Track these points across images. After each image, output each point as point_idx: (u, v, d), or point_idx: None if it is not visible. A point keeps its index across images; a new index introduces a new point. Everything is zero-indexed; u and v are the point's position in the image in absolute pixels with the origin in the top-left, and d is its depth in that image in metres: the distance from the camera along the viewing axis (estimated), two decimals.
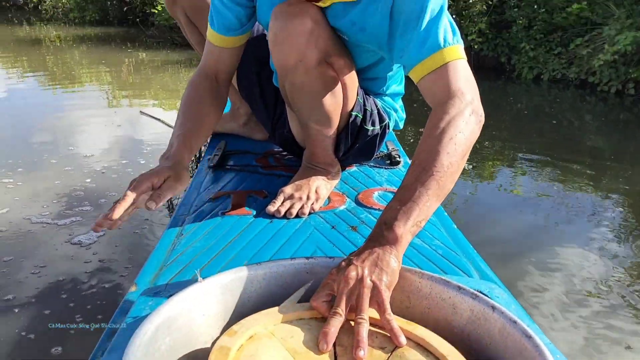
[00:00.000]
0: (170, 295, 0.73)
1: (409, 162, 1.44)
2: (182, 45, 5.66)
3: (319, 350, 0.61)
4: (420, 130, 2.81)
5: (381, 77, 1.22)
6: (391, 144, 1.54)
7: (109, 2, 7.81)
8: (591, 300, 1.50)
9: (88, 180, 2.29)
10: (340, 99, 1.11)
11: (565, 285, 1.58)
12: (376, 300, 0.67)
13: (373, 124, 1.22)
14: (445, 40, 0.89)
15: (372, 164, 1.41)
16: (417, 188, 0.76)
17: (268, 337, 0.63)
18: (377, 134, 1.25)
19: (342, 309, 0.65)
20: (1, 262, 1.63)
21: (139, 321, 0.69)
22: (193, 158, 1.77)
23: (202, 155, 1.61)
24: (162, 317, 0.62)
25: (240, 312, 0.72)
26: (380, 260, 0.70)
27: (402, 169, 1.38)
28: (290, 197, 1.13)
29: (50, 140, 2.92)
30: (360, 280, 0.67)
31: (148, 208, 0.86)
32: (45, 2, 8.91)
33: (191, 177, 1.65)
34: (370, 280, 0.68)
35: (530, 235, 1.93)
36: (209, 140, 1.65)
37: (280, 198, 1.13)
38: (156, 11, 6.45)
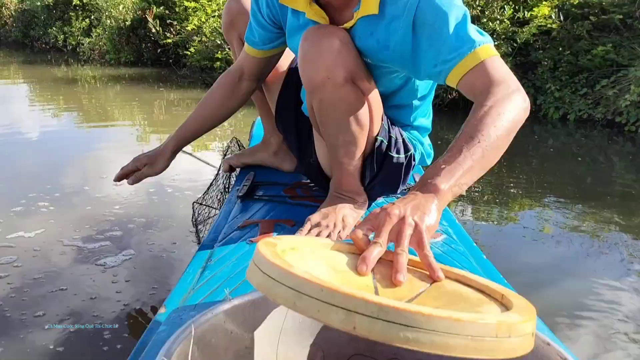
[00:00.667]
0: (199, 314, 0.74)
1: None
2: (212, 84, 5.83)
3: (357, 273, 0.61)
4: None
5: (406, 104, 1.24)
6: (418, 176, 1.54)
7: (143, 45, 8.13)
8: (626, 340, 1.44)
9: (117, 207, 2.34)
10: (367, 120, 1.13)
11: (597, 322, 1.53)
12: (416, 238, 0.67)
13: (398, 152, 1.23)
14: (477, 40, 0.92)
15: (399, 195, 1.41)
16: (462, 152, 0.79)
17: (310, 253, 0.62)
18: (403, 163, 1.26)
19: (382, 240, 0.66)
20: (33, 279, 1.67)
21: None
22: (222, 188, 1.79)
23: (232, 185, 1.64)
24: (189, 331, 0.63)
25: (270, 332, 0.72)
26: (422, 205, 0.71)
27: None
28: (318, 224, 1.14)
29: (83, 171, 3.03)
30: (402, 219, 0.68)
31: (129, 183, 1.36)
32: (83, 44, 9.33)
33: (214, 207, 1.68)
34: (412, 219, 0.68)
35: (560, 270, 1.89)
36: (238, 172, 1.68)
37: (308, 226, 1.14)
38: (189, 53, 6.69)
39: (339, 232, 1.13)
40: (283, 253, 0.59)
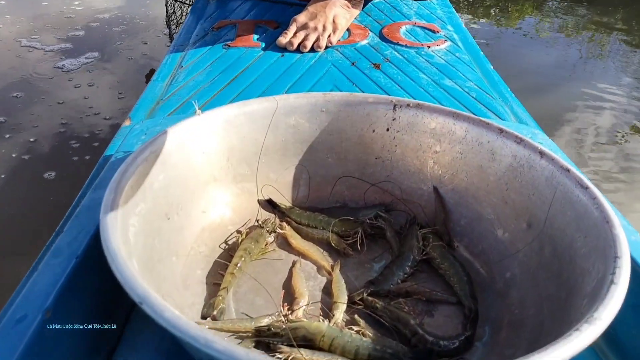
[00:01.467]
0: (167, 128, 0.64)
1: None
2: None
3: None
4: None
5: None
6: None
7: None
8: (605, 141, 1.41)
9: (78, 1, 2.09)
10: None
11: (581, 122, 1.49)
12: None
13: None
14: None
15: None
16: None
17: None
18: None
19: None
20: None
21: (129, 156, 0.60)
22: None
23: None
24: (154, 150, 0.53)
25: (246, 152, 0.63)
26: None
27: (433, 1, 1.20)
28: (304, 26, 0.98)
29: None
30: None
31: None
32: None
33: (189, 4, 1.47)
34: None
35: (557, 74, 1.80)
36: None
37: (293, 28, 0.99)
38: None
39: (329, 35, 0.98)
40: None
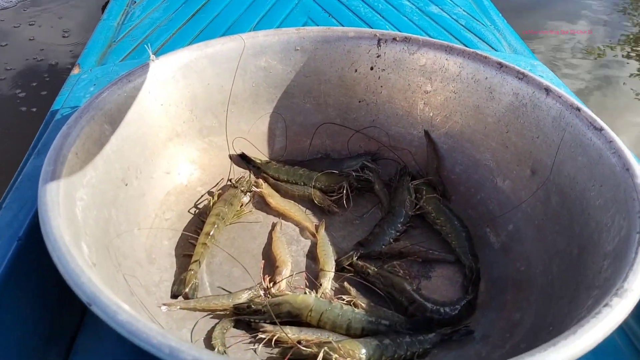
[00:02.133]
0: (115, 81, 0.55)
1: None
2: None
3: None
4: None
5: None
6: None
7: None
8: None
9: None
10: None
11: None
12: None
13: None
14: None
15: None
16: None
17: None
18: None
19: None
20: None
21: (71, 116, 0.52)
22: None
23: None
24: (102, 107, 0.45)
25: (212, 101, 0.55)
26: None
27: None
28: None
29: None
30: None
31: None
32: None
33: None
34: None
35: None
36: None
37: None
38: None
39: None
40: None
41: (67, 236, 0.34)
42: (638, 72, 1.33)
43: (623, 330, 0.43)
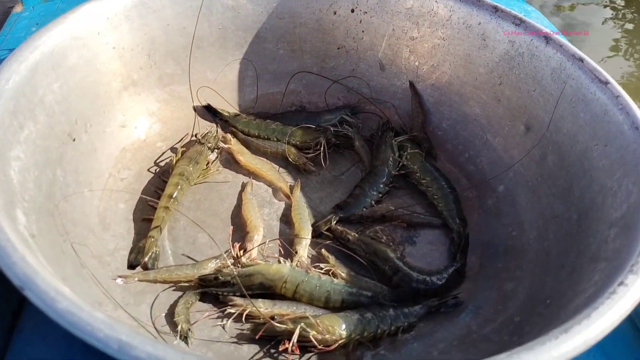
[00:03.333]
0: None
1: None
2: None
3: None
4: None
5: None
6: None
7: None
8: None
9: None
10: None
11: None
12: None
13: None
14: None
15: None
16: None
17: None
18: None
19: None
20: None
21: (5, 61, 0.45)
22: None
23: None
24: (42, 50, 0.39)
25: (173, 45, 0.49)
26: None
27: None
28: None
29: None
30: None
31: None
32: None
33: None
34: None
35: None
36: None
37: None
38: None
39: None
40: None
41: None
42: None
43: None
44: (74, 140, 0.41)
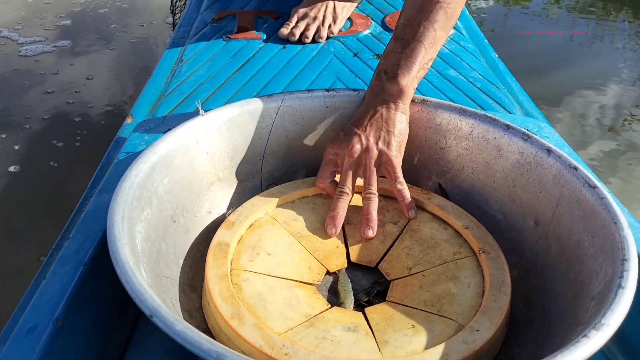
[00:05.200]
0: (170, 129, 0.64)
1: None
2: None
3: (327, 234, 0.56)
4: None
5: None
6: None
7: None
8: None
9: None
10: None
11: (583, 107, 1.49)
12: (386, 168, 0.58)
13: None
14: None
15: None
16: (420, 22, 0.60)
17: (270, 223, 0.56)
18: None
19: (348, 186, 0.58)
20: None
21: (133, 158, 0.60)
22: None
23: None
24: (158, 154, 0.53)
25: (251, 151, 0.62)
26: (385, 121, 0.59)
27: None
28: (305, 16, 0.97)
29: None
30: (366, 151, 0.58)
31: None
32: None
33: None
34: (377, 149, 0.58)
35: (561, 55, 1.80)
36: None
37: (294, 19, 0.98)
38: None
39: (329, 25, 0.97)
40: (240, 246, 0.53)
41: (131, 262, 0.40)
42: None
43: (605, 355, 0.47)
44: (174, 221, 0.54)
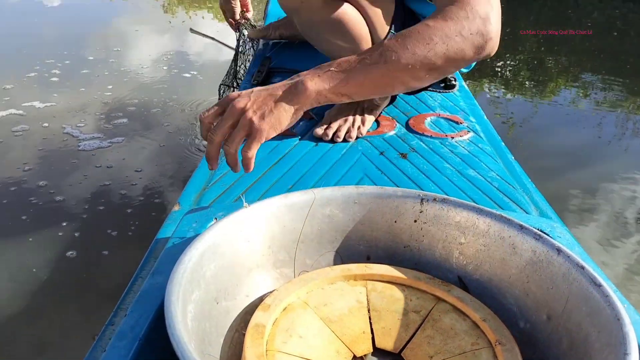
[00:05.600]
0: (215, 217, 0.72)
1: (465, 86, 1.34)
2: None
3: (350, 314, 0.62)
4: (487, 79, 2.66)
5: None
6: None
7: None
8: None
9: (133, 87, 2.28)
10: (364, 33, 1.02)
11: (610, 211, 1.51)
12: (247, 137, 0.68)
13: None
14: None
15: (435, 91, 1.31)
16: (363, 63, 0.69)
17: (302, 307, 0.62)
18: None
19: (218, 133, 0.67)
20: (41, 157, 1.67)
21: (183, 243, 0.68)
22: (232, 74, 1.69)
23: (247, 70, 1.55)
24: (207, 243, 0.60)
25: (286, 240, 0.69)
26: (274, 100, 0.68)
27: (456, 93, 1.29)
28: (337, 118, 1.08)
29: (102, 42, 2.95)
30: (243, 113, 0.66)
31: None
32: None
33: (235, 88, 1.60)
34: (252, 117, 0.66)
35: (589, 152, 1.85)
36: (252, 57, 1.58)
37: (327, 120, 1.08)
38: None
39: (359, 127, 1.07)
40: (275, 328, 0.59)
41: (185, 338, 0.46)
42: None
43: None
44: (217, 303, 0.60)
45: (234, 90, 1.79)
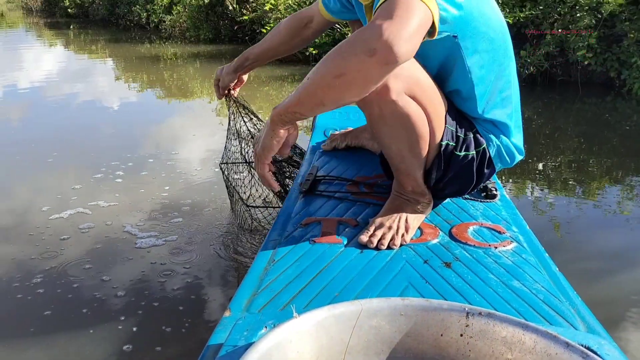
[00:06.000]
0: (265, 326, 0.75)
1: (506, 196, 1.38)
2: (287, 62, 5.92)
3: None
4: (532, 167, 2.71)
5: (468, 95, 1.16)
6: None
7: (221, 22, 8.34)
8: None
9: (189, 187, 2.42)
10: (425, 131, 1.09)
11: None
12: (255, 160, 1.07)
13: (467, 149, 1.17)
14: None
15: (466, 196, 1.35)
16: (303, 82, 0.91)
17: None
18: (472, 159, 1.19)
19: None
20: (103, 253, 1.79)
21: (236, 352, 0.71)
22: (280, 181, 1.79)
23: (295, 179, 1.64)
24: (260, 352, 0.63)
25: (333, 350, 0.71)
26: (263, 130, 1.03)
27: (498, 202, 1.32)
28: (381, 226, 1.12)
29: (157, 147, 3.19)
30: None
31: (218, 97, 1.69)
32: (164, 22, 9.55)
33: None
34: (255, 150, 1.06)
35: (636, 257, 1.81)
36: (302, 164, 1.68)
37: (372, 228, 1.12)
38: (264, 30, 6.71)
39: (403, 235, 1.11)
40: None
41: None
42: None
43: None
44: None
45: (231, 165, 1.92)
